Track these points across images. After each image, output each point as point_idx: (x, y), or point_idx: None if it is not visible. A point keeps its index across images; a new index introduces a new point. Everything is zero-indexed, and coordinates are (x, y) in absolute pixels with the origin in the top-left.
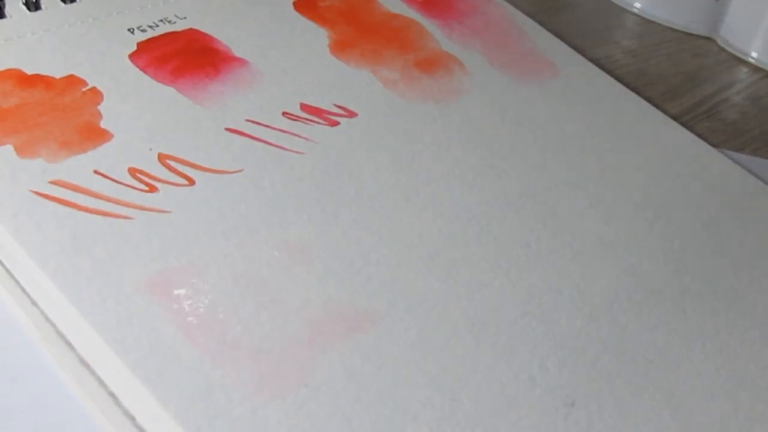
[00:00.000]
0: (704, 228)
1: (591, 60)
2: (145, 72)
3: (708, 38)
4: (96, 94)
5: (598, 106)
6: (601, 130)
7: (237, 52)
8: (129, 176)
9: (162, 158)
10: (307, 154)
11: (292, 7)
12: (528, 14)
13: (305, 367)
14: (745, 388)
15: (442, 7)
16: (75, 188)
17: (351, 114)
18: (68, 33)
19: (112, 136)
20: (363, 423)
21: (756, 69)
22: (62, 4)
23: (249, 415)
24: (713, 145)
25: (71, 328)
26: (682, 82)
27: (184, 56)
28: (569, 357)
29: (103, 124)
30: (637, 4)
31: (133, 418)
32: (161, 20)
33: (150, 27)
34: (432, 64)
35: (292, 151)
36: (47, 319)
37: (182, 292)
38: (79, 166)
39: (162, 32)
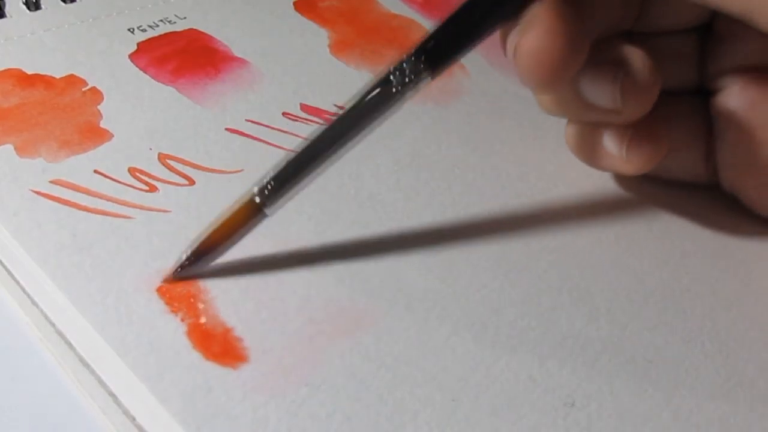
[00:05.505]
0: (704, 228)
1: None
2: (145, 72)
3: None
4: (96, 94)
5: None
6: None
7: (237, 52)
8: (129, 176)
9: (162, 158)
10: None
11: (292, 7)
12: None
13: (305, 366)
14: (744, 388)
15: (442, 8)
16: (75, 188)
17: None
18: (68, 33)
19: (112, 135)
20: (363, 422)
21: None
22: (62, 3)
23: (249, 414)
24: None
25: (71, 327)
26: None
27: (184, 56)
28: (569, 357)
29: (103, 124)
30: None
31: (133, 418)
32: (161, 20)
33: (150, 27)
34: None
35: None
36: (47, 318)
37: (182, 290)
38: (79, 166)
39: (162, 32)
